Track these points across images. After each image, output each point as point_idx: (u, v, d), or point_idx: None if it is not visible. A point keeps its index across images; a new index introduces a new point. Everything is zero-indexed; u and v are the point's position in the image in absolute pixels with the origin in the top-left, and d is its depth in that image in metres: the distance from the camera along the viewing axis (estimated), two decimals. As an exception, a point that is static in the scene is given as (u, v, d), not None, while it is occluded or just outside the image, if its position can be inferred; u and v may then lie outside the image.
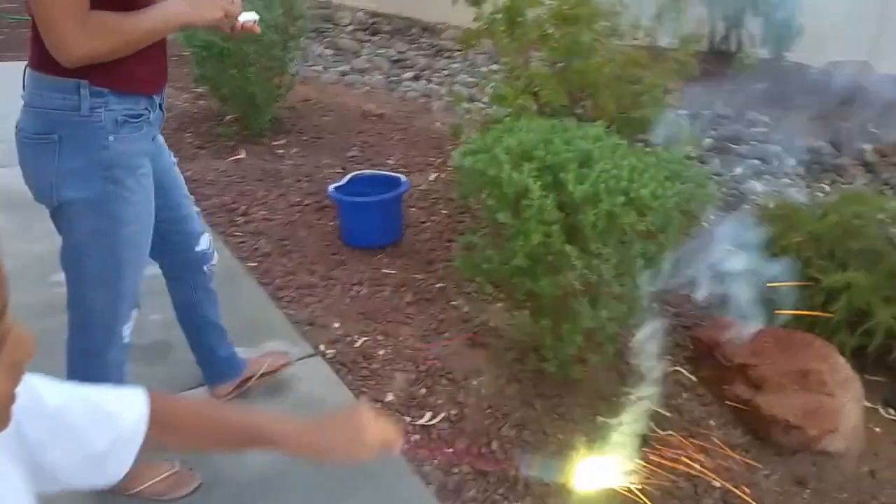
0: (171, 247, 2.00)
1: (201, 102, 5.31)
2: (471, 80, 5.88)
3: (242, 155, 4.37)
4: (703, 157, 4.83)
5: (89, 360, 1.85)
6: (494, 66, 5.72)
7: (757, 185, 4.47)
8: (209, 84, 4.63)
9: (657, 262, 2.29)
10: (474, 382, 2.53)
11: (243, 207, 3.71)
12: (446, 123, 4.61)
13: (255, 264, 3.18)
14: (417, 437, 2.30)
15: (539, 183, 2.05)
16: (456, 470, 2.19)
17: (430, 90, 5.84)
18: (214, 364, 2.32)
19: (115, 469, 0.84)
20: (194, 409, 0.98)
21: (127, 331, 1.85)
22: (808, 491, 2.29)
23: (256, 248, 3.33)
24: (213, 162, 4.27)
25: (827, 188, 4.53)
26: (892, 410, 2.67)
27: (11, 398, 0.63)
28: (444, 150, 4.34)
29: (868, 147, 5.00)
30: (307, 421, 0.98)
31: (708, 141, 5.04)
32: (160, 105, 1.77)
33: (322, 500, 2.03)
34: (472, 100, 5.05)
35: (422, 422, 2.36)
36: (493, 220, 2.19)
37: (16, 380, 0.62)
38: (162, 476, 2.01)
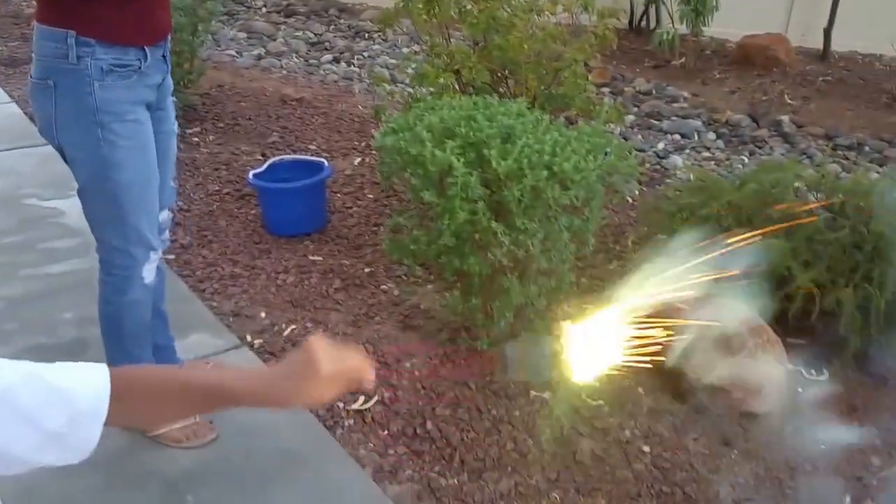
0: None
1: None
2: (392, 61, 5.89)
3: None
4: (626, 132, 4.99)
5: (114, 298, 2.01)
6: (416, 48, 5.76)
7: (678, 160, 4.65)
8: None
9: (583, 235, 2.39)
10: (407, 365, 2.58)
11: (158, 199, 3.64)
12: (369, 106, 4.61)
13: (174, 256, 3.14)
14: (352, 421, 2.33)
15: (462, 160, 2.11)
16: (392, 451, 2.24)
17: (351, 73, 5.82)
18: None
19: (82, 445, 0.82)
20: (156, 377, 0.94)
21: (147, 272, 1.99)
22: (735, 451, 2.43)
23: (174, 240, 3.28)
24: (123, 153, 4.17)
25: (746, 160, 4.74)
26: (813, 372, 2.84)
27: None
28: (368, 133, 4.36)
29: (785, 118, 5.25)
30: (265, 372, 0.95)
31: (630, 118, 5.21)
32: (164, 56, 1.90)
33: (254, 489, 2.06)
34: (394, 81, 5.08)
35: (355, 406, 2.39)
36: (418, 200, 2.24)
37: None
38: (182, 424, 2.16)
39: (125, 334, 2.06)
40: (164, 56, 1.91)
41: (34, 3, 2.11)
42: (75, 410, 0.81)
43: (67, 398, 0.81)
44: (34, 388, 0.79)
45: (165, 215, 2.14)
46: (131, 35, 1.77)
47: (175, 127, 2.09)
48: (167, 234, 2.21)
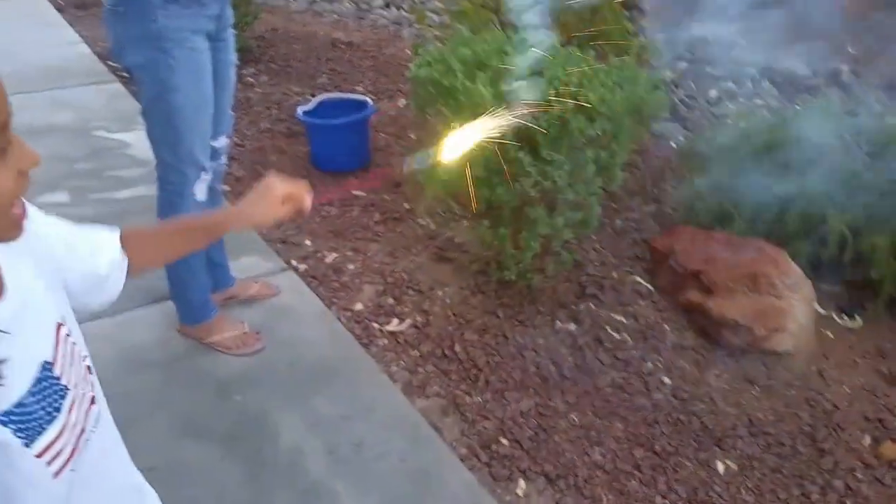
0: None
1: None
2: (440, 5, 5.90)
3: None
4: (678, 79, 4.92)
5: (168, 212, 2.16)
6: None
7: (730, 108, 4.58)
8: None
9: (611, 170, 2.44)
10: (439, 293, 2.69)
11: (214, 134, 3.81)
12: (414, 45, 4.67)
13: (229, 188, 3.30)
14: (385, 341, 2.47)
15: (492, 91, 2.17)
16: (421, 369, 2.37)
17: (401, 18, 5.86)
18: (212, 274, 2.44)
19: (113, 289, 1.02)
20: (154, 227, 1.21)
21: (198, 191, 2.14)
22: (756, 388, 2.47)
23: (230, 173, 3.44)
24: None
25: (798, 108, 4.63)
26: (845, 317, 2.84)
27: (22, 211, 0.75)
28: (408, 73, 4.42)
29: (844, 67, 5.09)
30: (232, 207, 1.24)
31: (681, 64, 5.13)
32: None
33: (295, 394, 2.22)
34: (443, 26, 5.11)
35: (389, 328, 2.53)
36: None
37: (22, 186, 0.74)
38: (233, 333, 2.37)
39: None
40: None
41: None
42: (112, 258, 1.00)
43: (106, 248, 1.00)
44: (82, 238, 0.97)
45: (223, 141, 2.26)
46: None
47: (234, 58, 2.20)
48: (224, 159, 2.33)
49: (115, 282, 1.01)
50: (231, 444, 2.05)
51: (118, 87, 4.30)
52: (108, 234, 1.02)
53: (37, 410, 0.78)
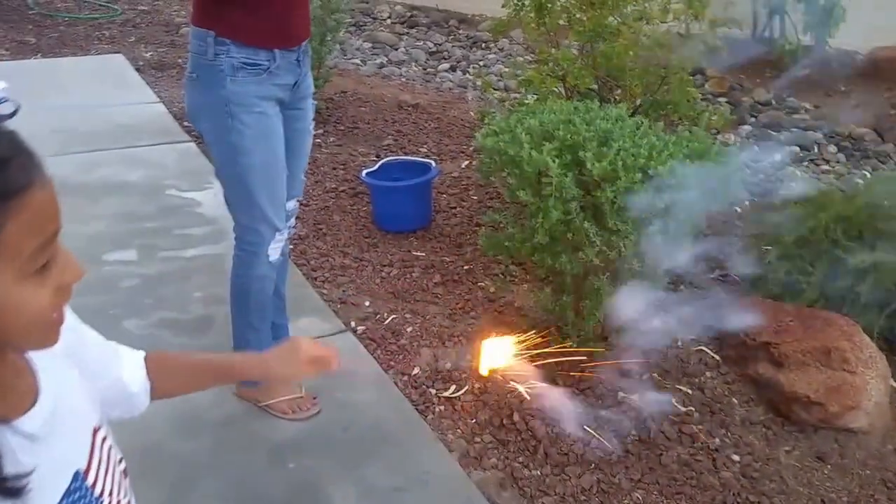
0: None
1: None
2: (506, 70, 5.97)
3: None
4: (743, 143, 4.84)
5: (243, 272, 2.22)
6: (529, 57, 5.81)
7: (796, 172, 4.47)
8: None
9: (678, 240, 2.36)
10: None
11: (280, 193, 3.87)
12: (480, 111, 4.71)
13: (292, 247, 3.33)
14: (442, 408, 2.41)
15: (558, 161, 2.14)
16: (478, 439, 2.29)
17: (466, 81, 5.95)
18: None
19: (137, 408, 1.03)
20: (179, 355, 1.22)
21: (273, 251, 2.18)
22: (828, 467, 2.33)
23: (294, 232, 3.49)
24: (252, 151, 4.45)
25: (868, 175, 4.49)
26: (921, 392, 2.68)
27: (60, 317, 0.72)
28: (475, 142, 4.44)
29: (910, 132, 4.93)
30: (257, 355, 1.23)
31: (747, 128, 5.04)
32: (298, 60, 2.05)
33: (348, 461, 2.17)
34: (505, 89, 5.15)
35: (446, 394, 2.47)
36: (514, 199, 2.29)
37: (63, 298, 0.72)
38: (289, 397, 2.34)
39: (251, 307, 2.25)
40: (297, 60, 2.05)
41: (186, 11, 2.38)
42: (144, 377, 1.02)
43: (138, 368, 1.02)
44: (118, 358, 1.00)
45: (293, 204, 2.30)
46: (261, 38, 1.94)
47: (311, 126, 2.25)
48: (293, 222, 2.36)
49: (141, 402, 1.02)
50: (285, 512, 2.00)
51: (191, 146, 4.42)
52: (133, 354, 1.03)
53: None
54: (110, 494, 0.82)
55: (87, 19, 7.53)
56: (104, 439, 0.84)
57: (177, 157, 4.26)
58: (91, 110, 4.87)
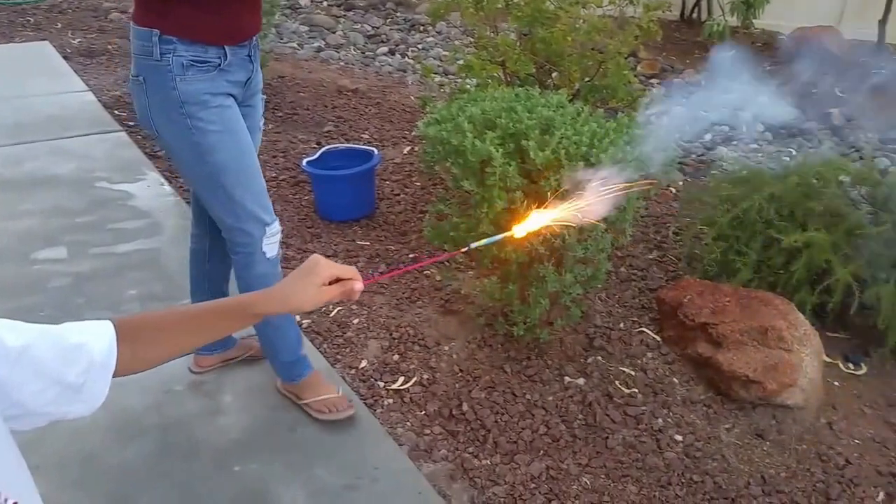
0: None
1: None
2: (445, 53, 5.87)
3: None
4: (672, 124, 4.86)
5: (243, 274, 2.06)
6: (469, 40, 5.72)
7: (725, 151, 4.51)
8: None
9: (620, 225, 2.33)
10: (446, 348, 2.57)
11: (218, 183, 3.71)
12: (420, 97, 4.61)
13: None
14: (391, 401, 2.34)
15: (502, 150, 2.07)
16: (428, 431, 2.23)
17: (405, 65, 5.82)
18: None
19: (93, 396, 0.86)
20: (163, 314, 1.00)
21: (268, 248, 2.02)
22: (767, 443, 2.35)
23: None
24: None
25: (794, 153, 4.57)
26: (851, 365, 2.74)
27: None
28: (418, 123, 4.35)
29: (835, 111, 5.04)
30: (272, 287, 1.03)
31: (678, 109, 5.06)
32: (249, 56, 1.91)
33: (297, 462, 2.08)
34: (445, 73, 5.06)
35: (395, 386, 2.40)
36: (458, 189, 2.22)
37: None
38: (326, 396, 2.23)
39: None
40: (248, 56, 1.91)
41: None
42: (88, 362, 0.84)
43: (79, 352, 0.84)
44: (49, 345, 0.82)
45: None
46: (210, 35, 1.79)
47: (261, 123, 2.10)
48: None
49: (94, 390, 0.86)
50: (232, 517, 1.90)
51: (122, 136, 4.20)
52: (91, 334, 0.87)
53: None
54: None
55: (9, 4, 7.09)
56: None
57: (108, 148, 4.04)
58: (17, 101, 4.58)
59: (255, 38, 1.93)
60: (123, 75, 5.36)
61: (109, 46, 6.02)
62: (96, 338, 0.86)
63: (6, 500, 0.74)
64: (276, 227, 2.04)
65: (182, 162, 1.92)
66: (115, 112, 4.46)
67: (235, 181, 1.90)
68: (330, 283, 1.00)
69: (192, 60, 1.78)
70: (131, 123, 4.43)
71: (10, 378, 0.78)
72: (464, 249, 1.24)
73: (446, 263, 3.01)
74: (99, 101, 4.71)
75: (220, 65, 1.82)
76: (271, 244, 2.02)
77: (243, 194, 1.92)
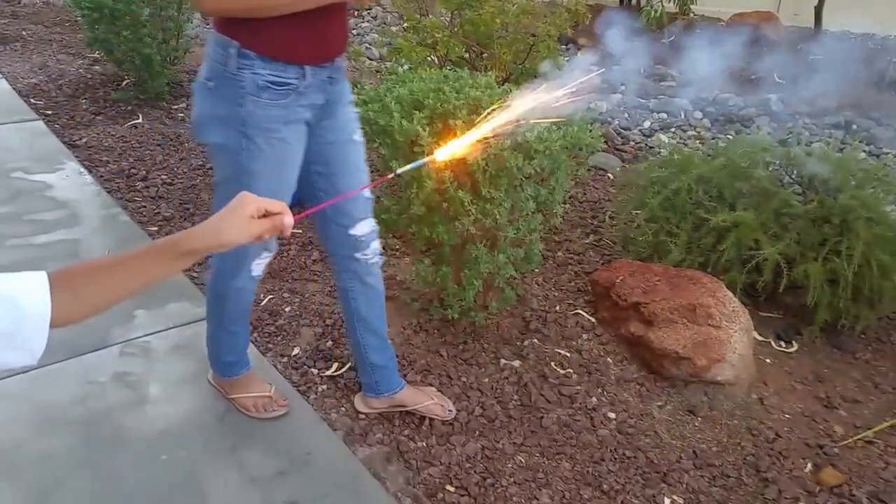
0: (324, 219, 2.05)
1: (96, 67, 5.21)
2: (380, 38, 5.93)
3: (140, 119, 4.34)
4: (612, 110, 5.03)
5: (223, 281, 2.05)
6: (405, 25, 5.79)
7: (663, 138, 4.70)
8: (102, 48, 4.55)
9: (550, 206, 2.45)
10: (382, 333, 2.64)
11: (143, 172, 3.71)
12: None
13: (157, 228, 3.21)
14: (325, 387, 2.41)
15: (430, 130, 2.16)
16: (362, 416, 2.31)
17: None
18: (363, 367, 2.29)
19: (32, 345, 0.91)
20: (99, 260, 1.06)
21: (256, 267, 2.02)
22: (699, 419, 2.49)
23: (157, 213, 3.36)
24: (110, 128, 4.23)
25: (732, 138, 4.77)
26: (783, 343, 2.90)
27: None
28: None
29: (773, 97, 5.28)
30: (203, 223, 1.09)
31: (616, 96, 5.24)
32: (330, 78, 1.82)
33: (226, 449, 2.13)
34: (379, 58, 5.12)
35: (329, 373, 2.47)
36: (387, 170, 2.30)
37: None
38: (257, 394, 2.25)
39: (226, 314, 2.13)
40: (329, 77, 1.83)
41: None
42: (19, 311, 0.90)
43: (12, 302, 0.89)
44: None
45: (366, 227, 2.05)
46: (291, 52, 1.71)
47: (353, 136, 1.98)
48: (373, 249, 2.11)
49: (30, 339, 0.91)
50: (161, 507, 1.95)
51: (39, 125, 4.15)
52: (17, 283, 0.91)
53: None
54: None
55: None
56: None
57: (23, 136, 3.99)
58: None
59: (337, 60, 1.85)
60: (39, 62, 5.27)
61: (24, 32, 5.91)
62: (29, 287, 0.92)
63: None
64: (273, 250, 2.05)
65: (222, 173, 1.87)
66: (31, 100, 4.40)
67: None
68: (260, 218, 1.06)
69: (269, 81, 1.71)
70: (48, 112, 4.38)
71: None
72: (391, 175, 1.31)
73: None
74: (13, 88, 4.63)
75: (297, 87, 1.75)
76: (260, 264, 2.02)
77: None
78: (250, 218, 1.05)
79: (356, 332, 2.22)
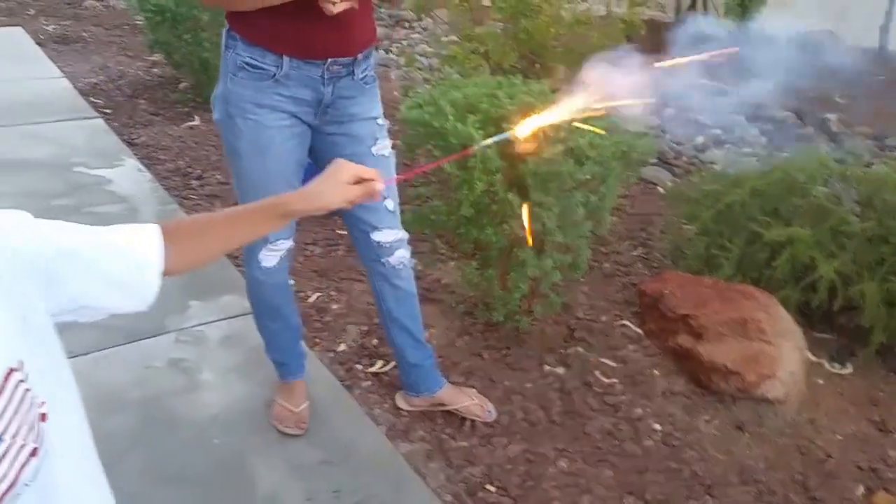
0: (351, 226, 2.15)
1: (155, 70, 5.43)
2: (430, 49, 6.04)
3: (197, 121, 4.51)
4: (666, 125, 5.04)
5: (246, 271, 2.19)
6: (454, 37, 5.90)
7: (717, 154, 4.69)
8: (163, 50, 4.75)
9: (600, 213, 2.49)
10: (425, 335, 2.70)
11: (198, 171, 3.86)
12: (403, 86, 4.76)
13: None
14: (369, 383, 2.48)
15: (482, 133, 2.23)
16: (405, 413, 2.37)
17: (389, 60, 5.99)
18: (401, 366, 2.36)
19: (144, 292, 0.99)
20: (201, 216, 1.18)
21: (265, 258, 2.07)
22: (747, 435, 2.48)
23: (215, 195, 3.50)
24: (167, 128, 4.42)
25: (787, 155, 4.74)
26: (836, 365, 2.87)
27: None
28: (399, 115, 4.51)
29: (832, 117, 5.23)
30: (302, 188, 1.18)
31: (670, 110, 5.25)
32: (322, 77, 1.86)
33: (273, 438, 2.22)
34: (431, 69, 5.22)
35: (373, 369, 2.54)
36: (439, 172, 2.37)
37: None
38: (288, 407, 2.29)
39: (255, 306, 2.25)
40: (321, 77, 1.87)
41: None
42: (135, 261, 0.98)
43: (126, 252, 0.97)
44: (99, 245, 0.95)
45: (386, 235, 2.09)
46: (270, 41, 1.80)
47: (374, 149, 2.02)
48: (402, 255, 2.15)
49: (144, 288, 0.99)
50: (208, 490, 2.03)
51: (99, 122, 4.34)
52: (133, 235, 0.99)
53: None
54: (13, 436, 0.81)
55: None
56: (21, 381, 0.82)
57: (85, 134, 4.18)
58: (-11, 85, 4.72)
59: (345, 61, 1.88)
60: (99, 63, 5.51)
61: (84, 34, 6.18)
62: (143, 239, 0.99)
63: (38, 402, 0.85)
64: (283, 244, 2.08)
65: (224, 145, 2.01)
66: (91, 99, 4.61)
67: (250, 191, 1.95)
68: (354, 183, 1.15)
69: (246, 62, 1.82)
70: (108, 111, 4.58)
71: (64, 275, 0.90)
72: (472, 149, 1.37)
73: (427, 253, 3.15)
74: (75, 87, 4.85)
75: (274, 75, 1.82)
76: (270, 255, 2.07)
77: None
78: (345, 184, 1.13)
79: (390, 331, 2.29)
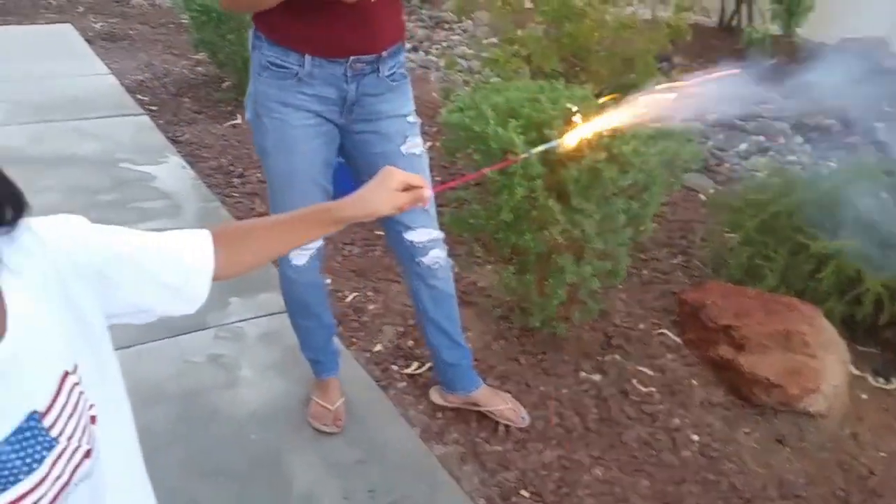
0: (386, 226, 2.17)
1: (199, 68, 5.51)
2: (470, 51, 6.05)
3: (239, 120, 4.58)
4: (708, 131, 4.98)
5: (279, 270, 2.20)
6: (494, 39, 5.90)
7: (760, 161, 4.62)
8: (207, 49, 4.83)
9: (641, 221, 2.47)
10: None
11: (240, 170, 3.92)
12: (443, 88, 4.77)
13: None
14: (404, 384, 2.49)
15: (524, 138, 2.23)
16: (440, 415, 2.38)
17: (429, 62, 6.00)
18: (437, 364, 2.37)
19: (194, 296, 1.02)
20: (253, 222, 1.21)
21: (294, 257, 2.09)
22: (787, 449, 2.45)
23: (253, 209, 3.54)
24: (211, 126, 4.48)
25: (834, 166, 4.66)
26: (881, 379, 2.82)
27: None
28: (440, 119, 4.52)
29: (881, 125, 5.12)
30: (353, 194, 1.20)
31: (712, 116, 5.18)
32: (345, 75, 1.87)
33: (309, 435, 2.25)
34: (470, 71, 5.23)
35: (408, 371, 2.55)
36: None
37: None
38: (322, 404, 2.32)
39: (289, 305, 2.27)
40: (345, 74, 1.87)
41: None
42: (186, 267, 1.01)
43: (179, 256, 1.01)
44: (153, 250, 0.99)
45: (420, 235, 2.09)
46: (294, 40, 1.83)
47: (403, 148, 2.04)
48: (438, 255, 2.14)
49: (194, 292, 1.02)
50: (245, 485, 2.06)
51: (145, 119, 4.43)
52: (184, 240, 1.02)
53: (12, 459, 0.77)
54: (69, 438, 0.83)
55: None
56: (76, 384, 0.85)
57: (130, 130, 4.27)
58: (39, 81, 4.84)
59: (366, 59, 1.88)
60: (145, 61, 5.62)
61: (131, 31, 6.30)
62: (194, 244, 1.03)
63: (88, 404, 0.87)
64: (312, 243, 2.09)
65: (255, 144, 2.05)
66: (138, 96, 4.70)
67: (278, 189, 2.00)
68: (403, 191, 1.18)
69: (270, 62, 1.84)
70: (153, 108, 4.66)
71: (119, 279, 0.94)
72: (523, 156, 1.39)
73: (464, 256, 3.15)
74: (122, 84, 4.95)
75: (297, 73, 1.84)
76: (300, 253, 2.09)
77: (280, 204, 1.99)
78: (394, 191, 1.16)
79: (427, 330, 2.29)
